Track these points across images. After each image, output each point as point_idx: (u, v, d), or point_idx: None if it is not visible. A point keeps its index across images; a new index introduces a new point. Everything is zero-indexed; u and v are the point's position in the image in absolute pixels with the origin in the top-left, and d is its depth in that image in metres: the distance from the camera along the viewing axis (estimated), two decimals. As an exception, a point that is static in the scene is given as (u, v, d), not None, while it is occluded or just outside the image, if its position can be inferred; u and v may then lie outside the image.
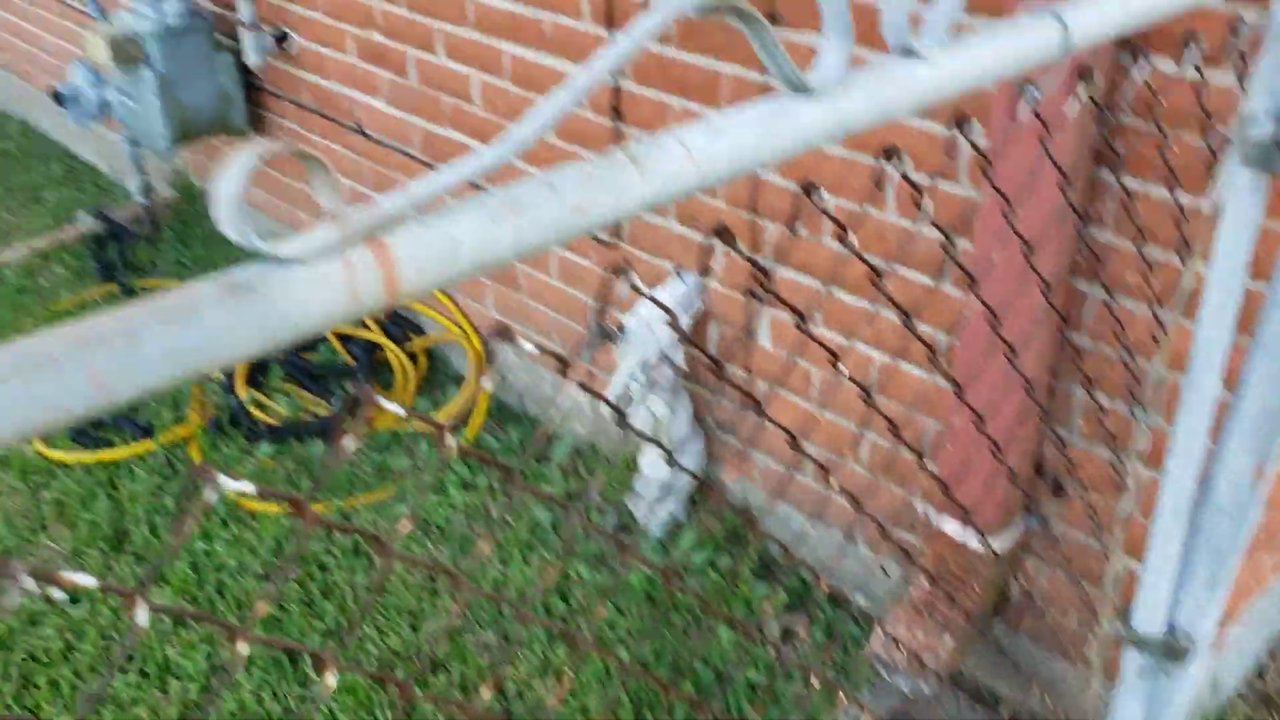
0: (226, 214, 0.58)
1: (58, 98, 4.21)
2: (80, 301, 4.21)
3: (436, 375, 3.90)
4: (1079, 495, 2.30)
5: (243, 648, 0.68)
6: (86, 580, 0.59)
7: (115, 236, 4.52)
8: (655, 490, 3.10)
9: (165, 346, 0.56)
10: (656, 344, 2.88)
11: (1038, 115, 1.21)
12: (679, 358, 2.88)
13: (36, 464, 3.43)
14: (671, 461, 0.96)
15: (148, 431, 3.49)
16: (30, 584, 0.54)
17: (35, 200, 4.98)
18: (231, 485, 0.62)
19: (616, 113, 2.90)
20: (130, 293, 4.25)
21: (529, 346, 0.77)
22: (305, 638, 2.85)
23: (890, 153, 0.94)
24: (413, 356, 3.88)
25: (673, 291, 2.88)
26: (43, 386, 0.53)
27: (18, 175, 5.18)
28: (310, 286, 0.62)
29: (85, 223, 4.67)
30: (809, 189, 0.87)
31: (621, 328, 2.88)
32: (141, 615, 0.61)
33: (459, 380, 3.84)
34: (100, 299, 4.23)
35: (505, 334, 0.73)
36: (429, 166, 3.55)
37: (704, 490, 3.25)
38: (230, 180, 0.58)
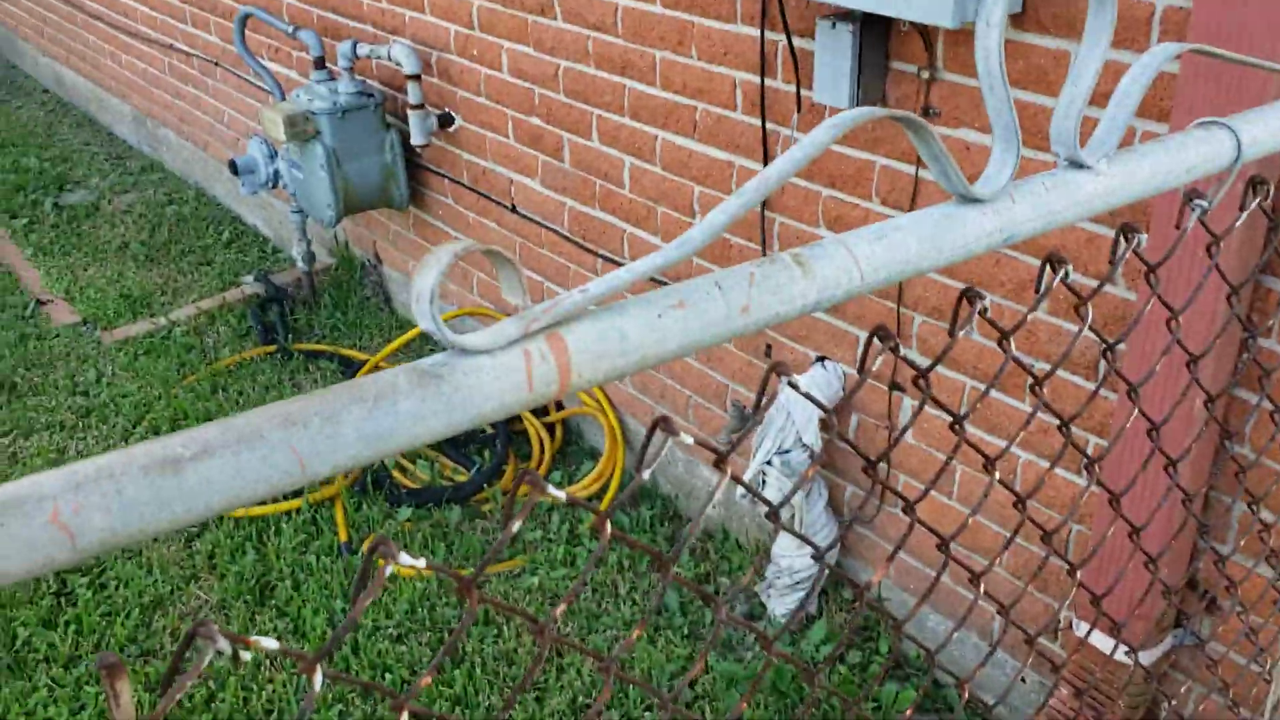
0: (421, 307, 0.62)
1: (234, 168, 4.47)
2: (240, 360, 4.42)
3: (570, 447, 3.95)
4: (1236, 613, 2.20)
5: (405, 717, 0.71)
6: (269, 644, 0.62)
7: (276, 300, 4.74)
8: (787, 579, 3.07)
9: (360, 429, 0.60)
10: (794, 430, 2.87)
11: (1204, 225, 1.19)
12: (817, 445, 2.87)
13: (191, 514, 3.59)
14: (818, 557, 0.96)
15: (296, 490, 3.62)
16: (224, 645, 0.58)
17: (205, 263, 5.28)
18: (407, 561, 0.65)
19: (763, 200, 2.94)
20: (287, 354, 4.44)
21: (688, 439, 0.78)
22: (435, 704, 2.89)
23: (1056, 262, 0.94)
24: (550, 428, 3.94)
25: (814, 379, 2.88)
26: (250, 460, 0.57)
27: (190, 239, 5.50)
28: (492, 376, 0.65)
29: (249, 286, 4.92)
30: (973, 296, 0.87)
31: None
32: (317, 680, 0.64)
33: (592, 453, 3.88)
34: (259, 359, 4.44)
35: (668, 427, 0.75)
36: (575, 244, 3.64)
37: (836, 582, 3.20)
38: (428, 277, 0.62)
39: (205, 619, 0.55)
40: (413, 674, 2.99)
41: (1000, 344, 0.96)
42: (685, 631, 3.12)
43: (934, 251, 0.83)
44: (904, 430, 0.95)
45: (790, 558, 3.04)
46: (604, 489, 3.69)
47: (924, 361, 2.66)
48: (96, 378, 4.33)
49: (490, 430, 3.92)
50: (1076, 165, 0.93)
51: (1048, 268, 1.00)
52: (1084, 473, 2.42)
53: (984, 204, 0.87)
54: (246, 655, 0.60)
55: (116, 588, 3.29)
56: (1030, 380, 1.01)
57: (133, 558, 3.39)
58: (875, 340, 0.90)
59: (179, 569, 3.36)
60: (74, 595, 3.25)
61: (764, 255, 2.98)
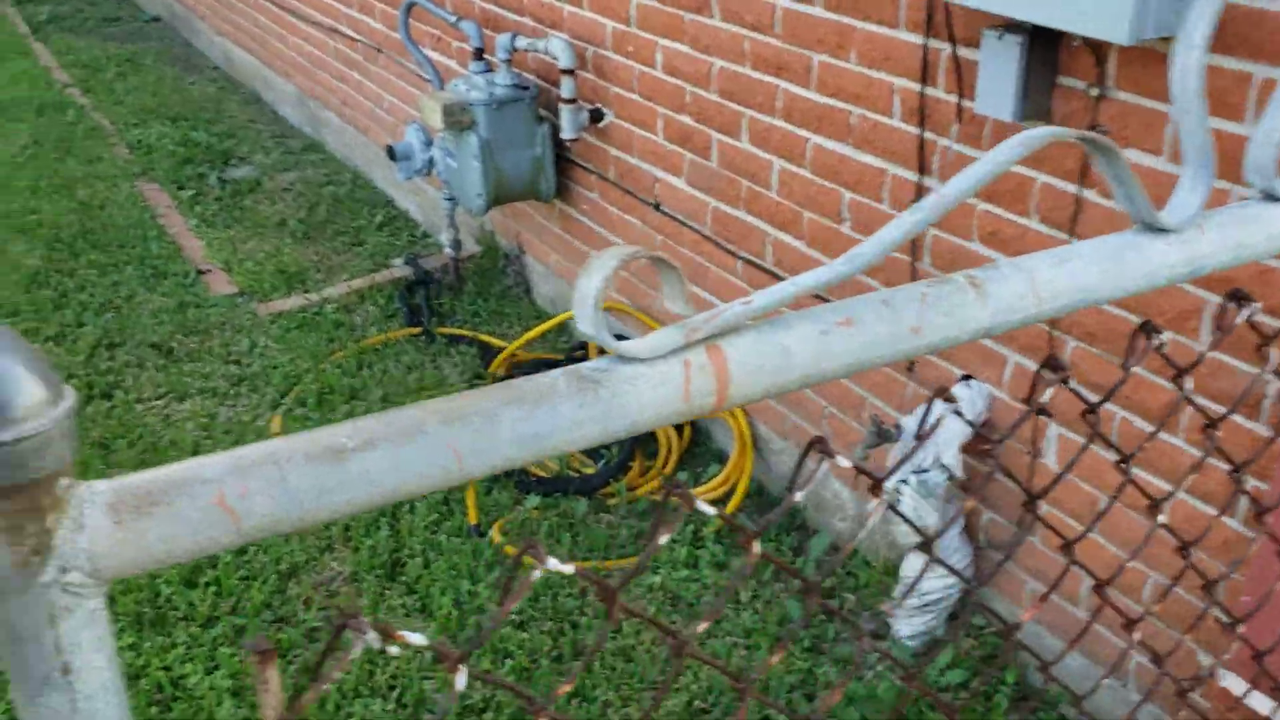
0: (584, 311, 0.62)
1: (391, 153, 4.59)
2: (386, 340, 4.53)
3: (697, 448, 3.94)
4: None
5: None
6: (416, 639, 0.62)
7: (423, 283, 4.85)
8: (916, 600, 3.00)
9: (518, 430, 0.59)
10: (934, 449, 2.80)
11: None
12: (956, 466, 2.79)
13: (329, 487, 3.69)
14: (970, 590, 0.93)
15: (430, 470, 3.70)
16: (373, 637, 0.58)
17: (358, 243, 5.43)
18: (556, 565, 0.64)
19: (916, 211, 2.87)
20: (430, 337, 4.54)
21: (844, 462, 0.76)
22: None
23: (1240, 299, 0.88)
24: (678, 427, 3.93)
25: (958, 399, 2.80)
26: (409, 454, 0.57)
27: (345, 219, 5.67)
28: (650, 385, 0.64)
29: (398, 268, 5.05)
30: (1150, 330, 0.82)
31: (898, 428, 2.82)
32: (460, 680, 0.64)
33: (720, 456, 3.86)
34: (403, 340, 4.55)
35: (824, 448, 0.73)
36: (716, 244, 3.62)
37: (964, 604, 3.12)
38: (593, 280, 0.61)
39: (355, 610, 0.55)
40: (532, 661, 3.02)
41: (1176, 380, 0.91)
42: (807, 644, 3.08)
43: (1115, 281, 0.79)
44: (1064, 473, 0.91)
45: (922, 579, 2.97)
46: (729, 494, 3.66)
47: (1077, 389, 2.56)
48: (250, 348, 4.50)
49: (622, 425, 3.93)
50: (1274, 198, 0.87)
51: (1230, 304, 0.94)
52: (1246, 520, 2.29)
53: (1169, 234, 0.82)
54: (394, 650, 0.60)
55: (256, 553, 3.41)
56: (1205, 422, 0.95)
57: (272, 525, 3.51)
58: (1044, 371, 0.86)
59: (315, 539, 3.47)
60: (215, 557, 3.38)
61: (913, 265, 2.91)
